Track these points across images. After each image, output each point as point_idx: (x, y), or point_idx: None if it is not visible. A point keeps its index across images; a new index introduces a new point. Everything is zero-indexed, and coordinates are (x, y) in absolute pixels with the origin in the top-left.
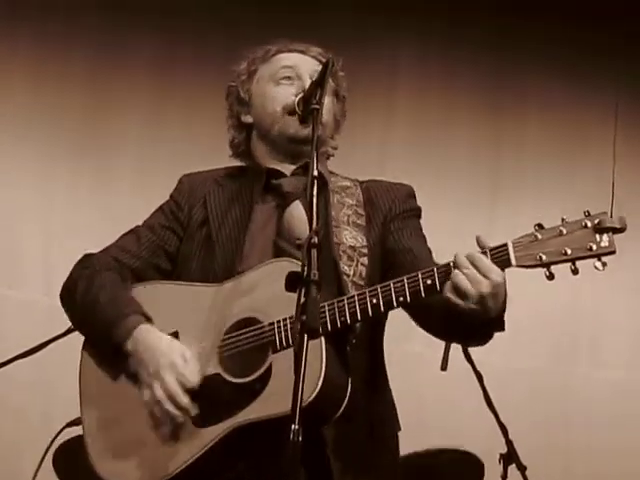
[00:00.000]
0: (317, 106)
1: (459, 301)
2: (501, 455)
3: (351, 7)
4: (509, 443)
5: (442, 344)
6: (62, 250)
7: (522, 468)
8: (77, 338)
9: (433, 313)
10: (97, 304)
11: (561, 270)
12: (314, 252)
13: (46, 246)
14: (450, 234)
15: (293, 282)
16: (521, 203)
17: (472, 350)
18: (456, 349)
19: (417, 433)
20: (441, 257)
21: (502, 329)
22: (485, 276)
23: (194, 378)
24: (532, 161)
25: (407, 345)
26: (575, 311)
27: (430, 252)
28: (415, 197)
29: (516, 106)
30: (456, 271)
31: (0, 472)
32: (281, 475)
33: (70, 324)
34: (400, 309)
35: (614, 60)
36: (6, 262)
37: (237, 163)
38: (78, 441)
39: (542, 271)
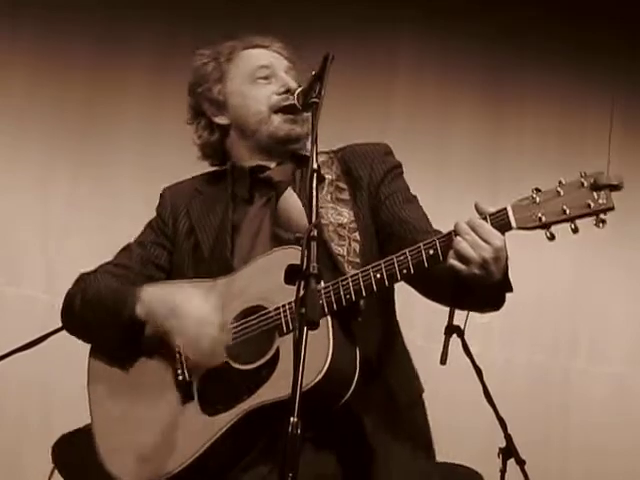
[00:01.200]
0: (317, 99)
1: (462, 267)
2: (500, 449)
3: None
4: (508, 437)
5: (442, 338)
6: (62, 246)
7: (521, 462)
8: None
9: (441, 284)
10: (100, 296)
11: (560, 264)
12: (314, 245)
13: (45, 242)
14: (450, 225)
15: (292, 275)
16: (521, 195)
17: (471, 344)
18: (455, 344)
19: None
20: None
21: (510, 289)
22: (486, 241)
23: (212, 309)
24: (530, 154)
25: (406, 339)
26: (574, 306)
27: (425, 216)
28: (392, 153)
29: (514, 99)
30: (458, 238)
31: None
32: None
33: None
34: (406, 288)
35: (611, 55)
36: (5, 258)
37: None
38: (77, 435)
39: (548, 263)
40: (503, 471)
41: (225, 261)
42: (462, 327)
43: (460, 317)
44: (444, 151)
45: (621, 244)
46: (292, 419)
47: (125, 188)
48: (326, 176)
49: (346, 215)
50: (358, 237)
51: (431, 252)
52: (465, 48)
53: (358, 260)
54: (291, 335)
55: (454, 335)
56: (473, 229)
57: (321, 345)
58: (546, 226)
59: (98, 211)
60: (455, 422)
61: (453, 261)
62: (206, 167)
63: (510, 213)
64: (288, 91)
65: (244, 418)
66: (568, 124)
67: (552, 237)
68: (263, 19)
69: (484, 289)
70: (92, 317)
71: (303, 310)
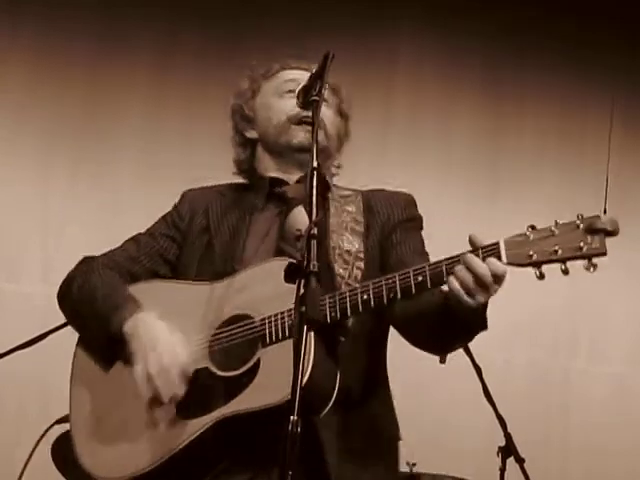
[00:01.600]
0: (317, 97)
1: (466, 299)
2: (499, 448)
3: None
4: (507, 436)
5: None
6: (61, 242)
7: (520, 461)
8: (74, 330)
9: (423, 319)
10: (95, 295)
11: (557, 267)
12: (314, 243)
13: (44, 239)
14: (450, 226)
15: (292, 273)
16: (520, 194)
17: (471, 344)
18: None
19: (416, 426)
20: (442, 244)
21: (486, 328)
22: (482, 286)
23: (188, 359)
24: (531, 153)
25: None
26: (574, 306)
27: None
28: (416, 205)
29: (514, 98)
30: (451, 278)
31: None
32: (265, 467)
33: None
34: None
35: (611, 54)
36: (4, 255)
37: (228, 168)
38: None
39: (533, 271)
40: (502, 470)
41: (233, 263)
42: None
43: None
44: (444, 149)
45: (621, 244)
46: (292, 417)
47: (125, 185)
48: (346, 208)
49: (356, 245)
50: (362, 266)
51: (420, 278)
52: (465, 47)
53: (357, 285)
54: (273, 347)
55: None
56: (474, 275)
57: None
58: (537, 264)
59: (97, 208)
60: (455, 421)
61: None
62: (206, 169)
63: (502, 248)
64: None
65: (218, 425)
66: (568, 123)
67: (542, 276)
68: (264, 17)
69: (465, 322)
70: (83, 311)
71: (303, 308)
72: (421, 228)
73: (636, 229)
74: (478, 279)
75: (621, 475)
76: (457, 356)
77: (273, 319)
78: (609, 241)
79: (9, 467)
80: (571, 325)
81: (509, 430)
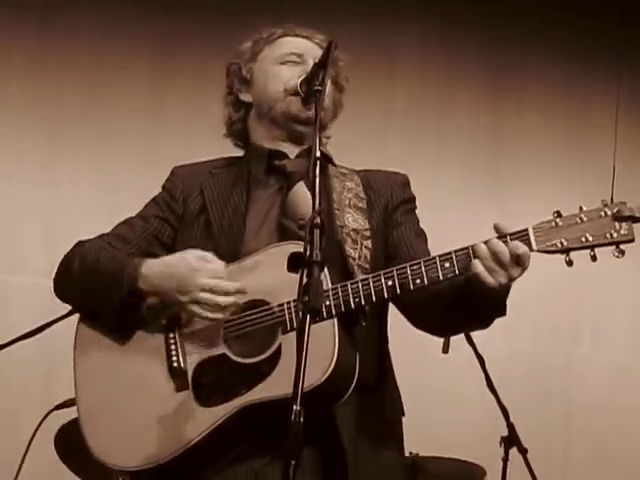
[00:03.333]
0: (320, 87)
1: (489, 279)
2: (502, 438)
3: None
4: (510, 426)
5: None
6: (64, 234)
7: (523, 451)
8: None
9: (439, 301)
10: (98, 265)
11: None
12: (317, 232)
13: (48, 230)
14: (450, 220)
15: (295, 263)
16: (522, 190)
17: (473, 333)
18: None
19: (418, 416)
20: (441, 233)
21: (505, 313)
22: (505, 269)
23: (221, 265)
24: (533, 147)
25: (408, 328)
26: (576, 293)
27: (429, 252)
28: (410, 186)
29: (516, 92)
30: (476, 261)
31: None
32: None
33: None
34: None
35: (615, 44)
36: (7, 247)
37: (231, 152)
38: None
39: (553, 257)
40: (505, 460)
41: (235, 241)
42: None
43: None
44: (446, 136)
45: None
46: (295, 407)
47: (127, 175)
48: (347, 184)
49: (361, 222)
50: (370, 245)
51: (447, 265)
52: (467, 41)
53: (367, 266)
54: (294, 334)
55: None
56: (494, 255)
57: (327, 346)
58: (566, 251)
59: (101, 200)
60: (458, 411)
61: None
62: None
63: (531, 234)
64: None
65: (241, 412)
66: (572, 110)
67: (570, 263)
68: (263, 10)
69: (485, 305)
70: (89, 284)
71: (306, 298)
72: (416, 208)
73: None
74: (498, 258)
75: (624, 462)
76: (459, 346)
77: (293, 305)
78: None
79: (11, 457)
80: (573, 312)
81: (512, 420)
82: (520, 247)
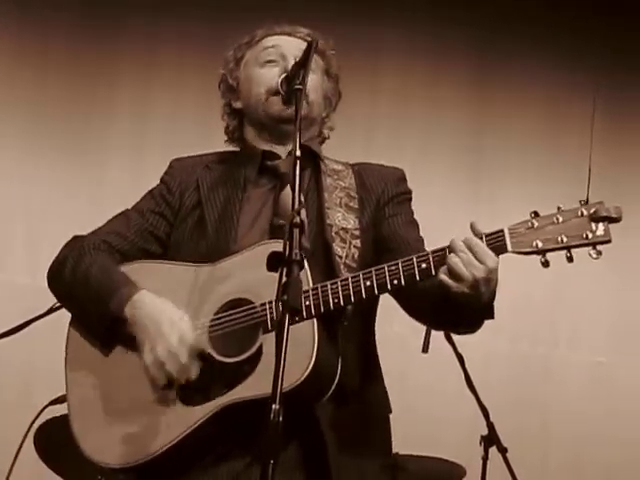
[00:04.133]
0: (300, 86)
1: (453, 284)
2: (482, 437)
3: None
4: (490, 425)
5: (423, 326)
6: (46, 232)
7: (503, 450)
8: (59, 318)
9: (426, 299)
10: (88, 279)
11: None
12: (296, 231)
13: (29, 228)
14: (434, 208)
15: (275, 262)
16: (504, 180)
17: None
18: (437, 332)
19: (398, 415)
20: (425, 230)
21: (492, 317)
22: (480, 261)
23: (195, 337)
24: (516, 147)
25: (388, 327)
26: (555, 294)
27: (422, 240)
28: (406, 180)
29: (500, 94)
30: (452, 255)
31: None
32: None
33: (51, 303)
34: (387, 295)
35: (594, 43)
36: None
37: (227, 148)
38: (60, 420)
39: (531, 258)
40: (485, 459)
41: (227, 239)
42: None
43: None
44: (430, 136)
45: None
46: (274, 406)
47: (111, 175)
48: (339, 183)
49: (351, 222)
50: (359, 244)
51: (423, 265)
52: (451, 35)
53: (355, 265)
54: (274, 333)
55: None
56: (469, 247)
57: (306, 346)
58: (541, 252)
59: (82, 197)
60: (437, 410)
61: (444, 276)
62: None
63: (507, 235)
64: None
65: (222, 412)
66: (553, 112)
67: (546, 264)
68: (247, 8)
69: (468, 310)
70: (78, 294)
71: (285, 297)
72: (410, 200)
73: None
74: (473, 250)
75: (602, 464)
76: (439, 345)
77: (274, 304)
78: None
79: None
80: (551, 314)
81: (491, 419)
82: (486, 252)
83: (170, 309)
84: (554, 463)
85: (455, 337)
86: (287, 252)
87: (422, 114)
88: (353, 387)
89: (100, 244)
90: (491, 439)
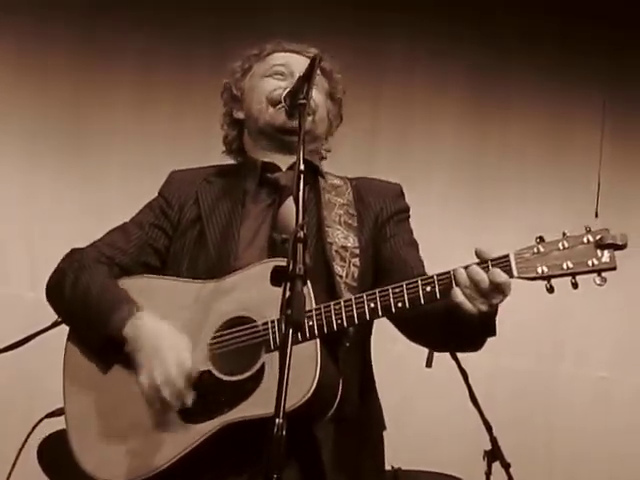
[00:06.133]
0: (304, 101)
1: (468, 306)
2: (485, 452)
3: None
4: (493, 440)
5: None
6: (47, 245)
7: (506, 465)
8: (62, 332)
9: (426, 322)
10: (88, 295)
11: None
12: (300, 247)
13: (30, 241)
14: (434, 235)
15: (278, 277)
16: (505, 197)
17: None
18: None
19: (402, 430)
20: (426, 249)
21: (494, 334)
22: (485, 297)
23: (193, 364)
24: (516, 166)
25: (391, 342)
26: (559, 311)
27: (422, 262)
28: (404, 196)
29: (501, 111)
30: (456, 289)
31: None
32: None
33: (55, 317)
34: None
35: (600, 57)
36: None
37: (227, 160)
38: (63, 434)
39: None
40: (488, 474)
41: (227, 254)
42: None
43: None
44: (431, 153)
45: None
46: (278, 420)
47: (110, 186)
48: (338, 200)
49: (351, 240)
50: (358, 263)
51: (428, 289)
52: (453, 51)
53: (355, 284)
54: (277, 353)
55: None
56: (473, 283)
57: (308, 368)
58: (547, 278)
59: (83, 209)
60: (441, 424)
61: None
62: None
63: (512, 261)
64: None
65: (222, 431)
66: (557, 128)
67: (551, 289)
68: (254, 19)
69: (469, 330)
70: (77, 311)
71: (289, 312)
72: (409, 217)
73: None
74: (478, 287)
75: (605, 479)
76: (443, 360)
77: (277, 324)
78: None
79: None
80: (555, 331)
81: (494, 434)
82: (500, 276)
83: (170, 333)
84: (558, 478)
85: (459, 353)
86: (290, 267)
87: (422, 133)
88: (351, 406)
89: (100, 257)
90: (494, 454)
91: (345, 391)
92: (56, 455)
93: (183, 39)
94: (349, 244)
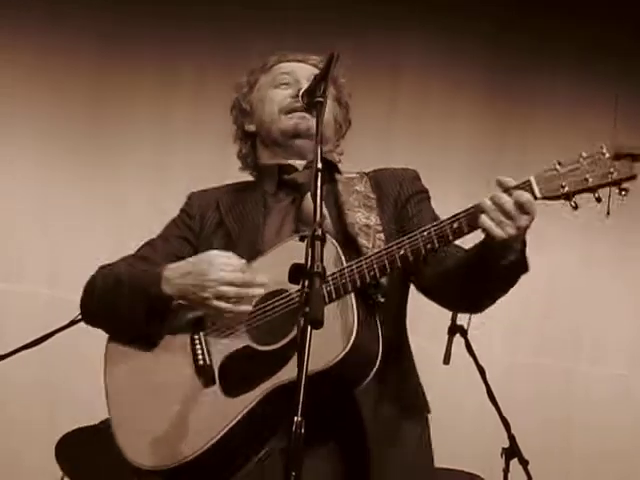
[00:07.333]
0: (321, 99)
1: (497, 232)
2: (503, 449)
3: None
4: (511, 437)
5: (445, 338)
6: (64, 242)
7: (524, 462)
8: (81, 337)
9: (455, 274)
10: (120, 280)
11: (564, 266)
12: (318, 244)
13: (49, 240)
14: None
15: (296, 274)
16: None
17: (474, 345)
18: (458, 344)
19: None
20: None
21: (527, 269)
22: (511, 218)
23: (240, 260)
24: (534, 163)
25: (410, 339)
26: (577, 308)
27: None
28: (420, 179)
29: (518, 99)
30: (483, 215)
31: (4, 470)
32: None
33: (74, 316)
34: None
35: (614, 54)
36: (8, 256)
37: (242, 176)
38: (80, 433)
39: (554, 272)
40: (506, 471)
41: (254, 249)
42: (465, 327)
43: (463, 317)
44: (447, 152)
45: (624, 252)
46: (296, 418)
47: (127, 184)
48: (356, 188)
49: (372, 219)
50: (383, 237)
51: (455, 225)
52: (469, 49)
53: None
54: None
55: (457, 335)
56: (498, 206)
57: (345, 321)
58: (569, 196)
59: (101, 207)
60: (458, 422)
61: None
62: (212, 170)
63: (534, 184)
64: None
65: (265, 399)
66: (573, 124)
67: (576, 207)
68: (266, 21)
69: (501, 269)
70: (114, 297)
71: (307, 309)
72: (429, 199)
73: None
74: (503, 209)
75: (623, 477)
76: (461, 357)
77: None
78: (614, 246)
79: (14, 467)
80: (574, 327)
81: (513, 432)
82: (523, 195)
83: (195, 257)
84: (576, 476)
85: (476, 349)
86: (309, 264)
87: (439, 129)
88: (392, 376)
89: (127, 267)
90: (512, 451)
91: (385, 355)
92: (75, 453)
93: (202, 41)
94: (371, 222)
